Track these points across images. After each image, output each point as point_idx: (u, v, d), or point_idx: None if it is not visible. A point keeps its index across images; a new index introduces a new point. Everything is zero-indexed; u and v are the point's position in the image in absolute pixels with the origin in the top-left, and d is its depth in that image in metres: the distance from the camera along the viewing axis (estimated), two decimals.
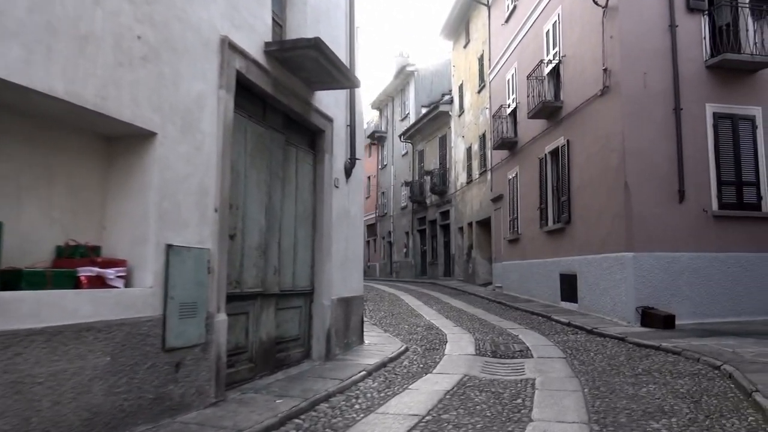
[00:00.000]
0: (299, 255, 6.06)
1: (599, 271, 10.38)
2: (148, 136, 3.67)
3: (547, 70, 12.88)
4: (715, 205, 9.68)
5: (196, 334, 3.95)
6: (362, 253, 7.87)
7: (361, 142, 7.70)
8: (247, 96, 5.03)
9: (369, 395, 4.90)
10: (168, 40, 3.80)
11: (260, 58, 5.01)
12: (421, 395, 4.89)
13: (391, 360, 6.54)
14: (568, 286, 11.80)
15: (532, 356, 7.06)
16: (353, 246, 7.37)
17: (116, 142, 3.71)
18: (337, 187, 6.77)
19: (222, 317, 4.27)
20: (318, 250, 6.38)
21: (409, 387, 5.23)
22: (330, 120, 6.59)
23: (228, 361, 4.59)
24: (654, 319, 8.85)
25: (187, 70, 4.01)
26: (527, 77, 13.49)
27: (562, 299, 12.14)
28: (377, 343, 7.64)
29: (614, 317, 9.78)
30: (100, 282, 3.34)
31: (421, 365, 6.40)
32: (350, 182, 7.27)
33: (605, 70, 10.16)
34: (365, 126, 36.79)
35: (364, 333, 8.27)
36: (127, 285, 3.52)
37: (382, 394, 4.94)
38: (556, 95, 12.56)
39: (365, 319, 10.31)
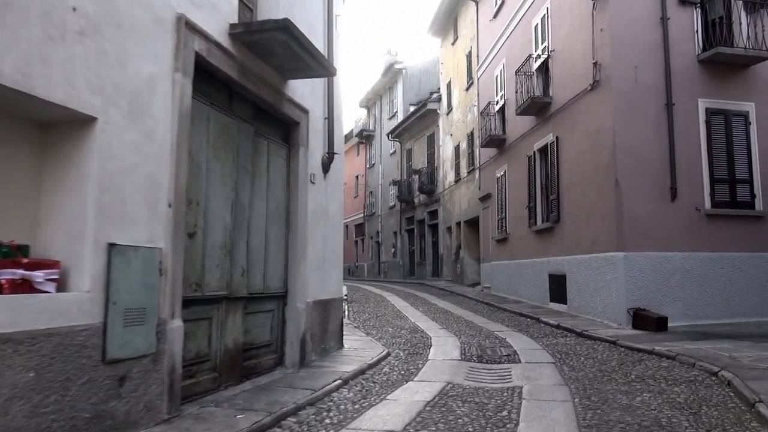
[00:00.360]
0: (271, 255, 5.66)
1: (589, 272, 10.07)
2: (87, 122, 3.25)
3: (535, 65, 12.56)
4: (707, 204, 9.40)
5: (144, 343, 3.53)
6: (342, 254, 7.48)
7: (340, 135, 7.31)
8: (209, 82, 4.62)
9: (342, 407, 4.50)
10: (111, 15, 3.38)
11: (224, 40, 4.60)
12: (399, 407, 4.51)
13: (371, 366, 6.15)
14: (557, 287, 11.49)
15: (519, 361, 6.72)
16: (332, 246, 6.97)
17: (51, 129, 3.29)
18: (313, 182, 6.37)
19: (177, 324, 3.86)
20: (292, 250, 5.98)
21: (387, 397, 4.85)
22: (305, 111, 6.19)
23: (187, 372, 4.19)
24: (646, 321, 8.54)
25: (136, 49, 3.60)
26: (515, 73, 13.16)
27: (551, 300, 11.82)
28: (357, 348, 7.25)
29: (605, 319, 9.46)
30: (26, 286, 2.92)
31: (402, 372, 6.02)
32: (328, 178, 6.87)
33: (595, 64, 9.84)
34: (354, 125, 36.48)
35: (345, 337, 7.89)
36: (61, 289, 3.10)
37: (356, 406, 4.54)
38: (545, 91, 12.25)
39: (347, 321, 9.92)
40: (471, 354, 7.18)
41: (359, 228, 36.15)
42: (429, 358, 6.92)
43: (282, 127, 5.99)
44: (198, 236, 4.39)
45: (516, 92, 13.17)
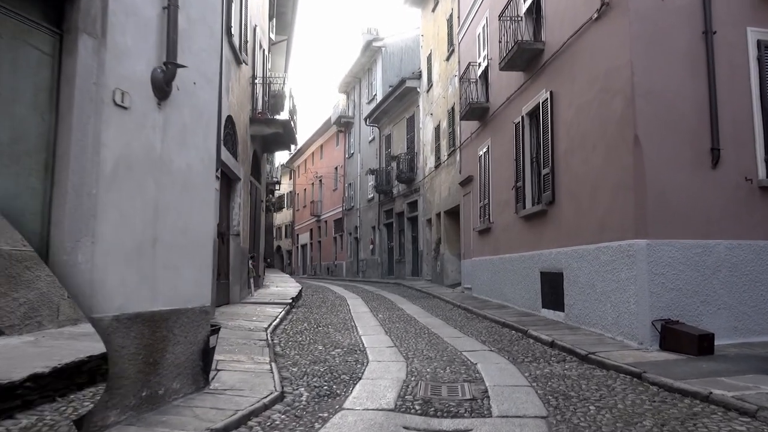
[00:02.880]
0: None
1: (595, 268, 7.35)
2: None
3: (524, 6, 9.84)
4: (762, 172, 6.70)
5: None
6: (210, 236, 4.73)
7: (213, 46, 4.54)
8: None
9: None
10: None
11: None
12: None
13: None
14: (552, 289, 8.77)
15: (489, 413, 4.04)
16: (181, 221, 4.22)
17: None
18: (122, 106, 3.61)
19: None
20: (57, 222, 3.22)
21: None
22: None
23: None
24: (682, 339, 5.82)
25: None
26: (499, 17, 10.41)
27: (544, 306, 9.10)
28: (232, 388, 4.50)
29: (618, 334, 6.75)
30: None
31: None
32: (172, 107, 4.11)
33: None
34: (332, 111, 33.57)
35: (233, 364, 5.27)
36: None
37: None
38: (536, 35, 9.53)
39: (260, 338, 7.15)
40: (415, 396, 4.49)
41: (338, 224, 33.35)
42: (345, 405, 4.23)
43: None
44: None
45: (500, 42, 10.43)
